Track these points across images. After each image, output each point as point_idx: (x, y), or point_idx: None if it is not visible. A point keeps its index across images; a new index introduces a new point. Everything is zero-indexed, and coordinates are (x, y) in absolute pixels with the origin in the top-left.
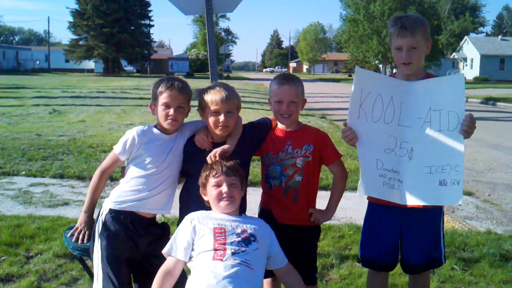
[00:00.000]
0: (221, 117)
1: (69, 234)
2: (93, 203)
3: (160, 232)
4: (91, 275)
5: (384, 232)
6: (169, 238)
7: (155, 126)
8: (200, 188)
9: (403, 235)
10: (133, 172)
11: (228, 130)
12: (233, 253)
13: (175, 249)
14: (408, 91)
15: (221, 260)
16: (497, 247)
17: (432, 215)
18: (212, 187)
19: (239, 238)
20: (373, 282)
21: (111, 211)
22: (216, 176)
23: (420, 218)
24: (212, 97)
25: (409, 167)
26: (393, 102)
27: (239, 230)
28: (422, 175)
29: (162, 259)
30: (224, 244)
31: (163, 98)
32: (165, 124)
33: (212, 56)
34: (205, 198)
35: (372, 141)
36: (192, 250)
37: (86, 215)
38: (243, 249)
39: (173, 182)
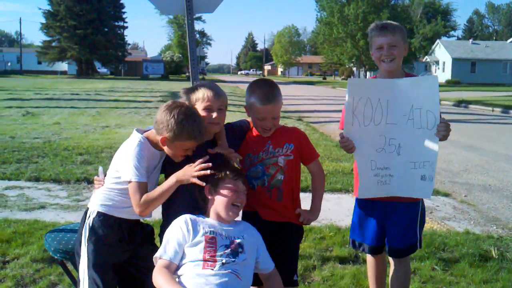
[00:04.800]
0: (214, 114)
1: None
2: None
3: (144, 234)
4: (72, 279)
5: (372, 220)
6: (153, 240)
7: (148, 139)
8: (208, 187)
9: (387, 222)
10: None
11: (219, 127)
12: (223, 264)
13: (167, 252)
14: (392, 89)
15: (212, 269)
16: (476, 247)
17: (410, 207)
18: (228, 190)
19: (229, 250)
20: (372, 264)
21: (99, 214)
22: (235, 178)
23: (401, 207)
24: (204, 93)
25: (397, 162)
26: (380, 102)
27: (228, 241)
28: (408, 170)
29: (147, 261)
30: (214, 256)
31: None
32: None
33: (193, 57)
34: (209, 197)
35: (365, 144)
36: (182, 257)
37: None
38: (233, 259)
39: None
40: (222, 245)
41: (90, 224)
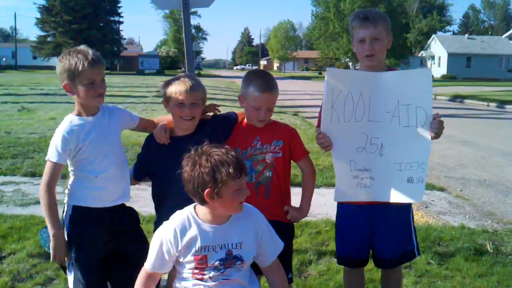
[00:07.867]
0: (186, 109)
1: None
2: None
3: (127, 222)
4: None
5: (357, 229)
6: (138, 229)
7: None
8: (209, 191)
9: (375, 230)
10: (77, 165)
11: (194, 122)
12: (210, 277)
13: (156, 267)
14: (376, 83)
15: (201, 280)
16: (471, 242)
17: (402, 209)
18: (235, 192)
19: (222, 268)
20: (350, 279)
21: (73, 209)
22: (239, 176)
23: (390, 213)
24: (177, 88)
25: (380, 163)
26: (362, 97)
27: (224, 252)
28: (392, 172)
29: (134, 259)
30: (204, 271)
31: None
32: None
33: (189, 52)
34: (210, 202)
35: (345, 142)
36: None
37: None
38: (224, 277)
39: (121, 164)
40: (216, 260)
41: (67, 221)
